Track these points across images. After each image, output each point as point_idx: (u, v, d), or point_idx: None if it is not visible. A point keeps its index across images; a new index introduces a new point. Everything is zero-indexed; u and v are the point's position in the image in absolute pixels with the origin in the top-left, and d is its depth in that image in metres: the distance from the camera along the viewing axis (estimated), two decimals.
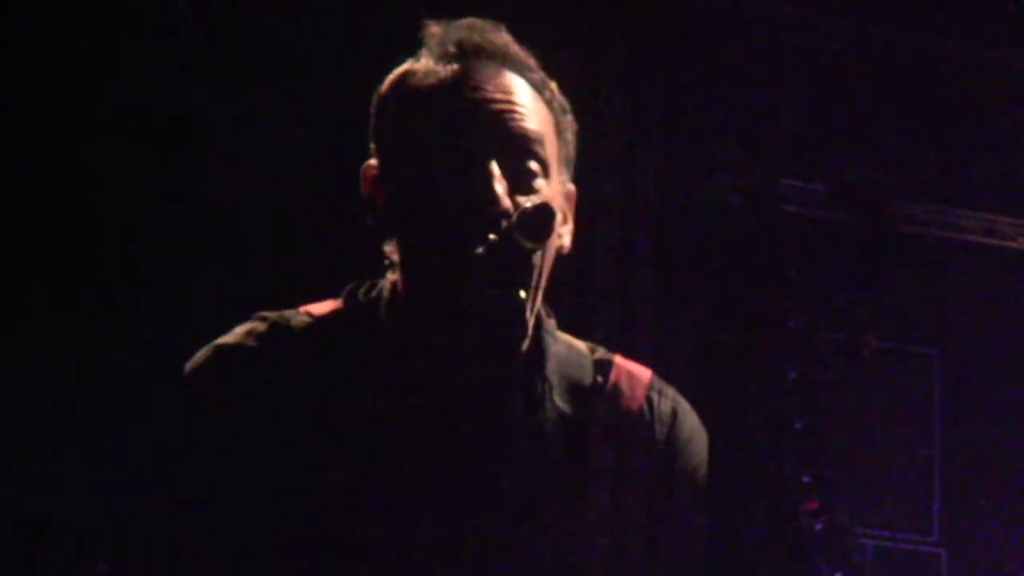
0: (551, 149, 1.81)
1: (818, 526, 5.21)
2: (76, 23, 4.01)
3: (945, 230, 5.67)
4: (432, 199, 1.74)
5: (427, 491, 1.69)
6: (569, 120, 1.85)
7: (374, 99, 1.85)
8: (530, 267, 1.71)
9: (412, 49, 1.85)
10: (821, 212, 5.49)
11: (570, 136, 1.86)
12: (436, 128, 1.76)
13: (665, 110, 5.02)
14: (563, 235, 1.83)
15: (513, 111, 1.78)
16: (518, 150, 1.77)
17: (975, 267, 5.61)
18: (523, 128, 1.78)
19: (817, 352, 5.37)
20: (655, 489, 1.80)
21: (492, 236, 1.69)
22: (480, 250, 1.68)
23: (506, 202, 1.73)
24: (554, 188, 1.81)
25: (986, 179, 5.66)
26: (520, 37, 1.83)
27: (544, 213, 1.68)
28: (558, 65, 1.87)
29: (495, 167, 1.73)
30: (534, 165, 1.79)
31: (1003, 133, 5.53)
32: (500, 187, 1.72)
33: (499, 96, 1.78)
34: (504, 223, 1.69)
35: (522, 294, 1.68)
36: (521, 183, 1.77)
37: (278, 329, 1.77)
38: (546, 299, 1.78)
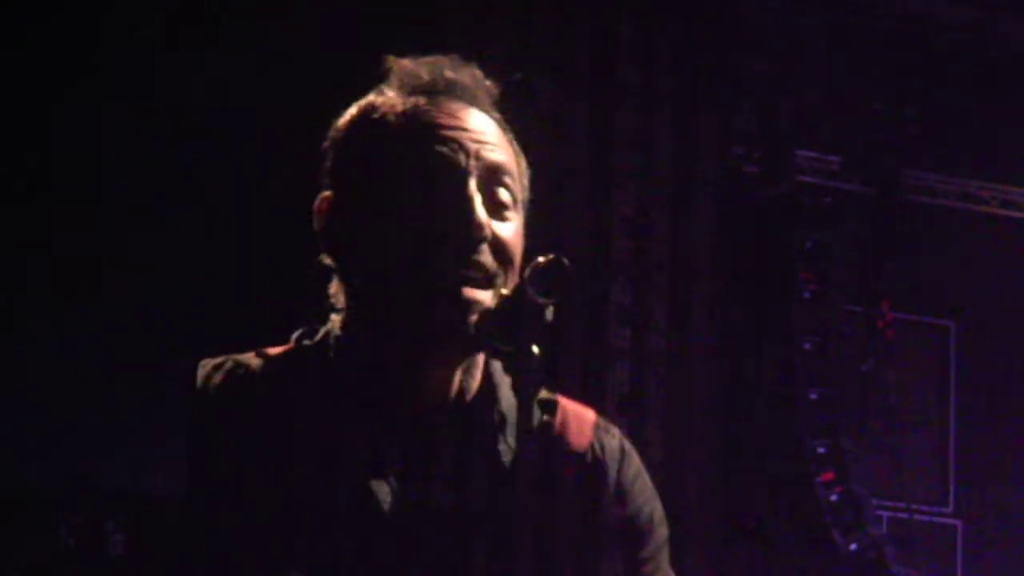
0: (517, 185, 1.82)
1: (833, 497, 5.21)
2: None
3: (962, 201, 5.66)
4: (404, 227, 1.74)
5: (399, 518, 1.71)
6: (524, 163, 1.86)
7: (333, 132, 1.84)
8: (544, 322, 1.70)
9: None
10: (837, 183, 5.48)
11: (525, 180, 1.86)
12: (411, 161, 1.76)
13: (681, 82, 5.02)
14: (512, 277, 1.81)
15: (485, 144, 1.79)
16: (492, 181, 1.78)
17: (992, 238, 5.60)
18: (496, 160, 1.79)
19: (832, 323, 5.37)
20: (609, 526, 1.82)
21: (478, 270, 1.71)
22: (464, 269, 1.70)
23: (485, 226, 1.74)
24: (520, 222, 1.82)
25: (1003, 151, 5.64)
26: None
27: (557, 268, 1.67)
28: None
29: (476, 192, 1.74)
30: (506, 196, 1.79)
31: (1021, 104, 5.52)
32: (481, 211, 1.73)
33: (472, 132, 1.79)
34: (482, 246, 1.71)
35: (535, 349, 1.67)
36: (496, 212, 1.77)
37: (239, 366, 1.79)
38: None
